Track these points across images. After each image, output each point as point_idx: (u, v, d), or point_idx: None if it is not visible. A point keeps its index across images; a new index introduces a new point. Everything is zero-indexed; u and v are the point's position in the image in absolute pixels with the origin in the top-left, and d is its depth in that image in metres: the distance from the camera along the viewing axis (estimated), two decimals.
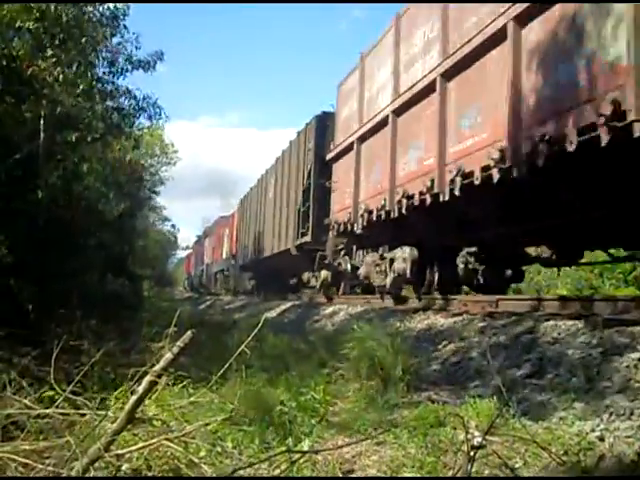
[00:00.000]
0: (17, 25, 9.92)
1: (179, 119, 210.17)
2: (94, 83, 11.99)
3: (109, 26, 12.49)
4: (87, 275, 11.26)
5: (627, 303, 6.83)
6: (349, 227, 13.40)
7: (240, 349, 3.51)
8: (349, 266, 15.06)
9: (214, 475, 2.97)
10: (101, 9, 12.29)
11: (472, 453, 3.02)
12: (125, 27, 12.98)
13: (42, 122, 10.30)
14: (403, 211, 10.37)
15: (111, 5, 12.60)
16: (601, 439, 4.05)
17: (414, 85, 10.27)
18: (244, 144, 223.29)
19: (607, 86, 5.93)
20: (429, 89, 9.70)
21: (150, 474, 2.92)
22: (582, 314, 6.95)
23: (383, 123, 11.74)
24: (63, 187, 10.66)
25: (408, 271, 11.09)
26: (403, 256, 11.27)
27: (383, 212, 11.31)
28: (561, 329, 6.63)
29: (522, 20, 7.34)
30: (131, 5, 13.07)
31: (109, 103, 13.23)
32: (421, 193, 9.62)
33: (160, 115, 14.39)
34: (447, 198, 8.79)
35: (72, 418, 3.47)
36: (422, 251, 11.09)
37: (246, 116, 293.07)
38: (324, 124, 17.76)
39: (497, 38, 7.80)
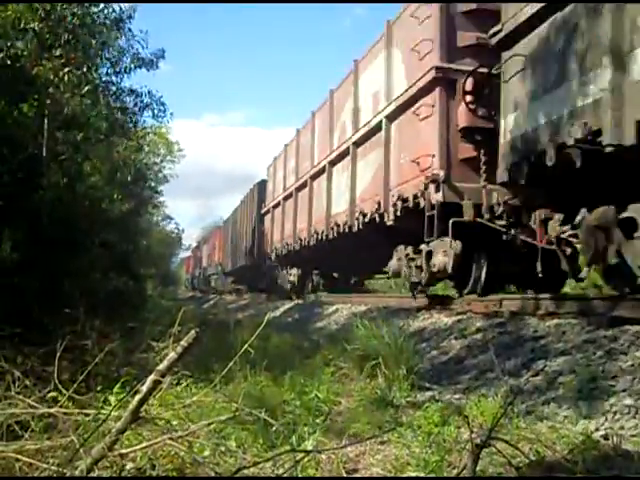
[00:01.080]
0: (22, 26, 9.94)
1: (182, 118, 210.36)
2: (98, 83, 12.01)
3: (114, 29, 12.51)
4: (91, 274, 11.26)
5: (631, 302, 6.81)
6: (278, 253, 21.60)
7: (244, 348, 3.50)
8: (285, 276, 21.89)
9: (219, 474, 2.97)
10: (106, 12, 12.30)
11: (477, 452, 3.01)
12: (130, 30, 13.02)
13: (46, 122, 10.32)
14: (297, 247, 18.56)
15: (117, 7, 12.62)
16: (606, 438, 4.04)
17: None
18: (248, 143, 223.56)
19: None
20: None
21: (154, 473, 2.92)
22: (586, 312, 6.94)
23: (285, 198, 21.16)
24: (67, 187, 10.67)
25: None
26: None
27: (290, 248, 19.56)
28: (565, 328, 6.62)
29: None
30: (137, 7, 13.11)
31: (113, 103, 13.26)
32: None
33: (164, 112, 14.44)
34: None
35: (76, 417, 3.46)
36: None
37: (250, 115, 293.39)
38: (263, 187, 26.70)
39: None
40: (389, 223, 11.33)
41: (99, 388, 4.43)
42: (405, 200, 10.62)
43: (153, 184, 33.04)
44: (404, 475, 3.48)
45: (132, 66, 13.53)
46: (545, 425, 4.45)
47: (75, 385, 3.80)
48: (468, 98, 9.26)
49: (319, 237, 16.36)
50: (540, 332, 6.82)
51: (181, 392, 4.40)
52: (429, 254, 10.16)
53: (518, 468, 3.37)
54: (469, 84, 9.22)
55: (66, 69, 10.41)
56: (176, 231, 63.61)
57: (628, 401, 4.54)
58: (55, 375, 3.86)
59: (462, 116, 9.39)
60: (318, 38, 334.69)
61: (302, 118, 19.27)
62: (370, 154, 12.85)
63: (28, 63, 9.89)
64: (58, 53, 10.50)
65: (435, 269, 9.82)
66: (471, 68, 9.20)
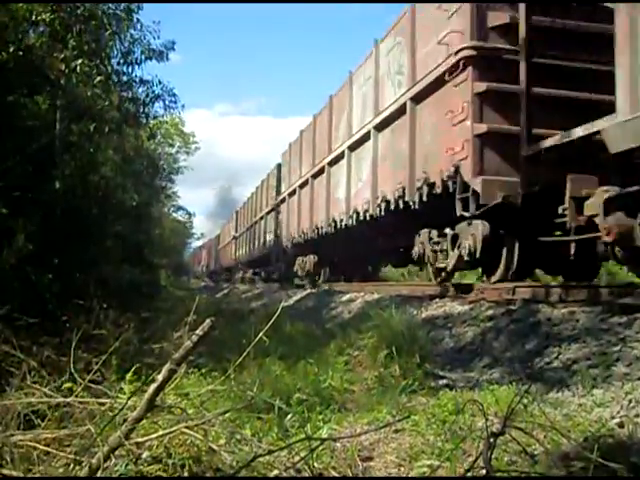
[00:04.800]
0: (33, 18, 9.96)
1: (194, 107, 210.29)
2: (110, 73, 12.02)
3: (124, 19, 12.50)
4: (105, 265, 11.32)
5: None
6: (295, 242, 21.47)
7: (258, 337, 3.51)
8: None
9: (235, 462, 2.99)
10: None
11: (491, 440, 3.00)
12: (139, 21, 12.99)
13: (58, 113, 10.35)
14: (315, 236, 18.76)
15: None
16: (621, 426, 4.03)
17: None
18: (260, 132, 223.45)
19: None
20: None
21: (170, 462, 2.93)
22: (600, 300, 6.91)
23: (301, 186, 20.80)
24: (80, 177, 10.71)
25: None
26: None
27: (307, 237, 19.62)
28: (580, 315, 6.60)
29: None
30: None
31: (124, 94, 13.27)
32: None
33: (175, 103, 14.44)
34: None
35: (92, 407, 3.49)
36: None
37: (262, 103, 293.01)
38: (279, 173, 25.55)
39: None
40: (415, 207, 10.95)
41: (114, 377, 4.46)
42: (432, 185, 10.27)
43: (166, 173, 33.12)
44: (419, 462, 3.48)
45: (142, 57, 13.53)
46: (560, 413, 4.44)
47: (90, 375, 3.83)
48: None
49: (337, 225, 16.19)
50: (553, 320, 6.79)
51: (196, 381, 4.42)
52: (455, 238, 9.90)
53: (533, 456, 3.36)
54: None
55: (78, 60, 10.42)
56: (187, 217, 63.88)
57: None
58: (71, 364, 3.88)
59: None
60: (330, 25, 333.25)
61: (316, 107, 19.40)
62: (393, 137, 12.51)
63: (41, 55, 9.91)
64: (70, 45, 10.51)
65: (463, 252, 9.40)
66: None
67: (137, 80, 13.57)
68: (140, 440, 2.96)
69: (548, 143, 7.78)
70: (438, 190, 10.06)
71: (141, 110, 14.04)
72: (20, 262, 7.35)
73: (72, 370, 3.84)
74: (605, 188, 6.92)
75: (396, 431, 4.09)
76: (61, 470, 2.90)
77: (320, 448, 3.31)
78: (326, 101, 18.00)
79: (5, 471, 2.82)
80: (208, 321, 3.08)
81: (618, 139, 6.47)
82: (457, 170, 9.29)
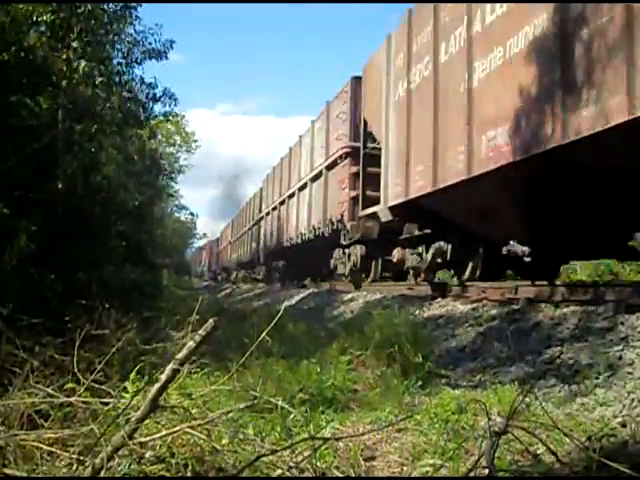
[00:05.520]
0: (34, 19, 9.96)
1: (195, 107, 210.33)
2: (112, 74, 12.04)
3: (124, 17, 12.52)
4: (107, 264, 11.31)
5: None
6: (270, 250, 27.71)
7: (261, 337, 3.51)
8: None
9: (238, 462, 2.99)
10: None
11: (494, 439, 3.01)
12: (138, 17, 13.02)
13: (60, 113, 10.35)
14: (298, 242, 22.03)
15: None
16: (623, 425, 4.03)
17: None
18: (262, 131, 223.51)
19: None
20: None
21: (173, 462, 2.93)
22: (602, 299, 6.90)
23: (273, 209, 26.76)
24: (82, 177, 10.70)
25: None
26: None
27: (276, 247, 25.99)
28: (581, 314, 6.59)
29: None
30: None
31: (125, 94, 13.28)
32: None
33: (175, 105, 14.50)
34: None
35: (95, 407, 3.49)
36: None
37: (264, 103, 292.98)
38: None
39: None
40: (326, 235, 17.67)
41: (117, 377, 4.46)
42: (332, 223, 17.02)
43: (167, 173, 33.21)
44: (421, 461, 3.49)
45: (142, 57, 13.57)
46: (562, 412, 4.44)
47: (93, 375, 3.83)
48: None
49: (293, 242, 22.21)
50: (556, 319, 6.79)
51: (199, 381, 4.42)
52: (349, 255, 16.19)
53: (536, 455, 3.37)
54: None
55: (79, 60, 10.44)
56: (190, 217, 64.03)
57: None
58: (74, 364, 3.89)
59: None
60: (331, 25, 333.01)
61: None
62: (318, 189, 19.08)
63: (42, 55, 9.90)
64: (71, 45, 10.51)
65: (352, 264, 15.85)
66: None
67: (138, 81, 13.61)
68: (143, 440, 2.96)
69: (361, 213, 14.18)
70: (334, 227, 16.76)
71: (142, 110, 14.07)
72: (22, 262, 7.35)
73: (75, 370, 3.85)
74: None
75: (399, 430, 4.10)
76: (64, 470, 2.91)
77: (323, 448, 3.32)
78: (287, 151, 24.61)
79: (9, 471, 2.83)
80: (211, 321, 3.09)
81: (383, 214, 12.16)
82: (342, 216, 16.04)
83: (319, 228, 18.16)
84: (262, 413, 3.97)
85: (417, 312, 9.66)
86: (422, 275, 11.90)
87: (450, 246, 10.56)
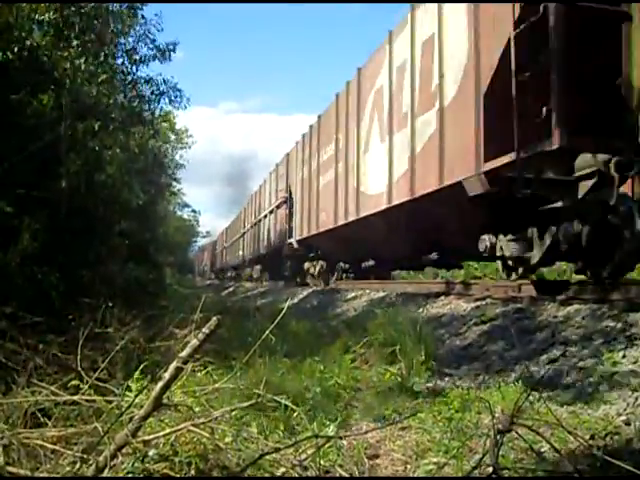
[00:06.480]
0: (37, 17, 9.96)
1: (199, 105, 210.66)
2: (115, 72, 12.05)
3: (128, 16, 12.53)
4: (110, 263, 11.30)
5: None
6: (249, 258, 36.01)
7: (264, 335, 3.51)
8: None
9: (241, 460, 2.99)
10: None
11: (498, 437, 3.00)
12: (143, 17, 13.04)
13: (63, 111, 10.35)
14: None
15: None
16: (627, 423, 4.02)
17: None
18: (265, 129, 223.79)
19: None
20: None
21: (177, 460, 2.93)
22: (606, 297, 6.89)
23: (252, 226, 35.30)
24: (85, 175, 10.69)
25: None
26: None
27: (252, 256, 35.54)
28: (586, 313, 6.58)
29: None
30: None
31: (129, 92, 13.30)
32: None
33: (181, 98, 14.51)
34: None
35: (98, 405, 3.49)
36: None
37: (267, 101, 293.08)
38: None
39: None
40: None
41: (121, 375, 4.46)
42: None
43: (170, 171, 33.43)
44: (425, 459, 3.48)
45: (147, 56, 13.60)
46: (566, 410, 4.43)
47: (97, 373, 3.83)
48: None
49: (260, 253, 31.39)
50: (560, 317, 6.78)
51: (202, 379, 4.42)
52: (321, 267, 21.50)
53: (540, 453, 3.36)
54: None
55: (83, 59, 10.44)
56: (193, 215, 64.21)
57: None
58: (77, 363, 3.89)
59: None
60: (334, 22, 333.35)
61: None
62: (274, 220, 27.50)
63: (45, 53, 9.90)
64: (74, 43, 10.51)
65: (314, 271, 21.54)
66: None
67: (141, 79, 13.63)
68: (147, 438, 2.96)
69: (287, 241, 23.16)
70: (281, 245, 24.03)
71: (147, 108, 14.09)
72: (25, 260, 7.35)
73: (78, 368, 3.85)
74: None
75: (402, 428, 4.10)
76: (68, 468, 2.91)
77: (327, 446, 3.31)
78: (257, 188, 33.92)
79: (12, 469, 2.83)
80: (214, 319, 3.08)
81: (294, 243, 22.33)
82: (284, 239, 23.55)
83: (274, 247, 26.53)
84: (265, 411, 3.97)
85: (421, 310, 9.65)
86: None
87: (325, 263, 20.45)
